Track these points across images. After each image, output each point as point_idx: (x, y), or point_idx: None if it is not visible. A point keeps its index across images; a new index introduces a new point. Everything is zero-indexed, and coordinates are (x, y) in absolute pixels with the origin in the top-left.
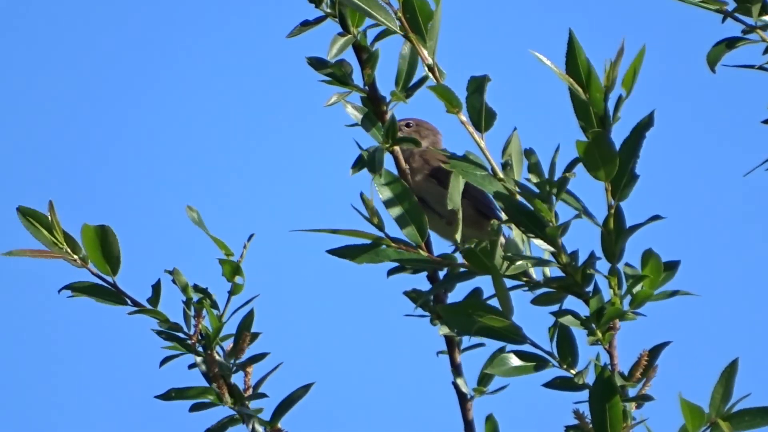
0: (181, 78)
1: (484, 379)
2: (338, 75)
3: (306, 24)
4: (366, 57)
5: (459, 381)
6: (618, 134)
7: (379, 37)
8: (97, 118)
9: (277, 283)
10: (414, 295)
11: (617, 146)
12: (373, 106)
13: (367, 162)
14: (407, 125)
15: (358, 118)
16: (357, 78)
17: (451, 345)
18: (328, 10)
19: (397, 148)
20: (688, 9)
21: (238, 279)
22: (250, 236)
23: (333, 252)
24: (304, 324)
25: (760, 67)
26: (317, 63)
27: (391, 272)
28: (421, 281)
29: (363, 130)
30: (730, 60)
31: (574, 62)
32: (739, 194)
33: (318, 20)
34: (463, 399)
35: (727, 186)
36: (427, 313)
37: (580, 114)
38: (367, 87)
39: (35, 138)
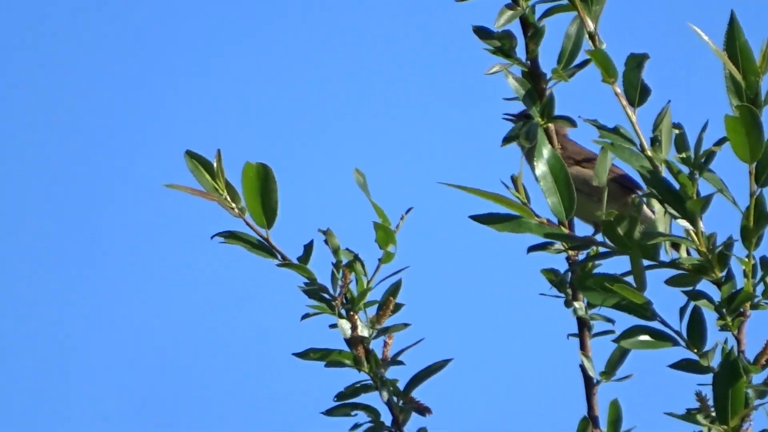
0: (347, 33)
1: (612, 364)
2: (503, 46)
3: None
4: (531, 32)
5: (587, 364)
6: None
7: (546, 14)
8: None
9: (426, 259)
10: (551, 275)
11: None
12: (534, 82)
13: (522, 135)
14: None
15: (518, 91)
16: (519, 53)
17: (583, 328)
18: None
19: (551, 126)
20: None
21: (390, 247)
22: (408, 209)
23: (476, 218)
24: (442, 296)
25: None
26: (482, 32)
27: (531, 249)
28: (559, 262)
29: (522, 103)
30: None
31: (732, 42)
32: None
33: None
34: (589, 383)
35: None
36: (562, 294)
37: (732, 96)
38: (529, 62)
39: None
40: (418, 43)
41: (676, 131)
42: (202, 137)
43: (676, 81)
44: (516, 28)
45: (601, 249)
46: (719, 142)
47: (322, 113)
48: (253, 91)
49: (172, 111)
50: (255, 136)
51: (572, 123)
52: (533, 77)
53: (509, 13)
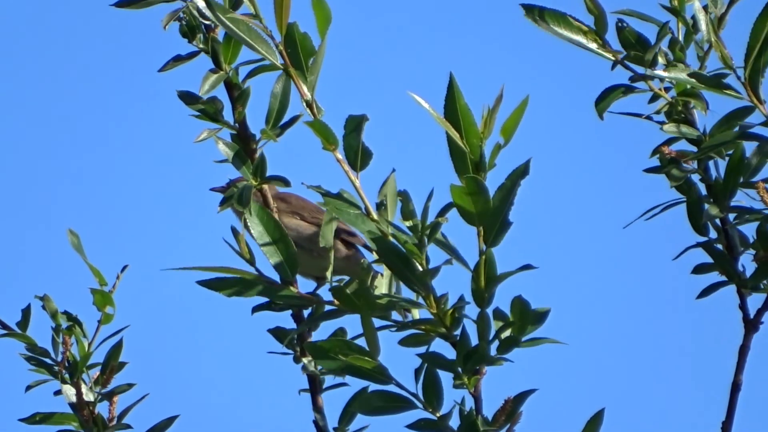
0: (48, 105)
1: (346, 418)
2: (209, 111)
3: (178, 59)
4: (237, 94)
5: (319, 420)
6: (498, 181)
7: (251, 75)
8: None
9: (148, 315)
10: (278, 333)
11: (493, 193)
12: (243, 144)
13: (235, 199)
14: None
15: (229, 156)
16: (228, 115)
17: (314, 383)
18: (202, 46)
19: (265, 186)
20: (575, 54)
21: (108, 309)
22: (124, 267)
23: (203, 283)
24: (173, 357)
25: (644, 116)
26: (188, 97)
27: (255, 309)
28: (285, 319)
29: (233, 166)
30: (617, 108)
31: (453, 107)
32: (618, 244)
33: (191, 55)
34: None
35: (606, 236)
36: (290, 351)
37: (456, 160)
38: (237, 124)
39: None
40: (122, 113)
41: (401, 199)
42: None
43: (403, 146)
44: (222, 92)
45: (329, 308)
46: (445, 210)
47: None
48: None
49: None
50: None
51: (286, 183)
52: (242, 139)
53: (214, 77)
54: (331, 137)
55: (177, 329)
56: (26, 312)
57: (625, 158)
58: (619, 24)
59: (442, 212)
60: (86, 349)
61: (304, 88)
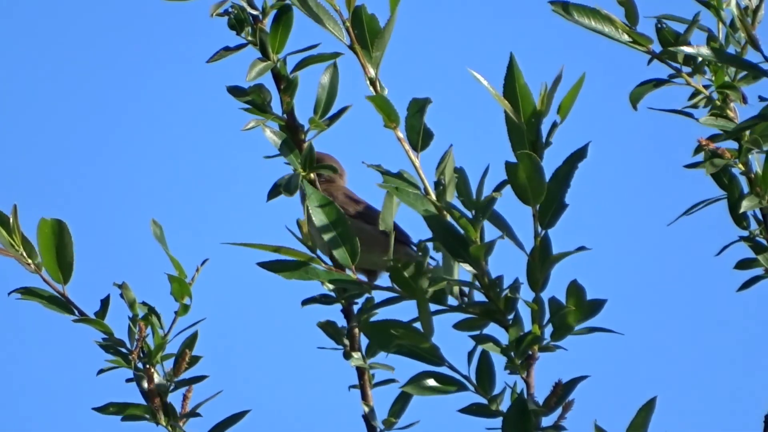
0: (109, 98)
1: (394, 409)
2: (257, 103)
3: (227, 50)
4: (285, 85)
5: (369, 414)
6: (552, 163)
7: (299, 66)
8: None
9: (220, 308)
10: (327, 327)
11: (549, 174)
12: (292, 135)
13: (283, 189)
14: None
15: (276, 144)
16: (276, 107)
17: (363, 378)
18: (250, 38)
19: (313, 176)
20: (619, 48)
21: (186, 300)
22: (204, 261)
23: (264, 265)
24: (239, 351)
25: (681, 111)
26: (237, 91)
27: (306, 302)
28: (335, 314)
29: (281, 156)
30: (655, 102)
31: (511, 85)
32: (661, 241)
33: (239, 47)
34: None
35: (646, 232)
36: (340, 346)
37: (513, 137)
38: (285, 115)
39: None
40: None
41: (457, 177)
42: None
43: (461, 124)
44: (270, 82)
45: (388, 294)
46: (500, 186)
47: (115, 165)
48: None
49: None
50: (49, 190)
51: (335, 171)
52: (291, 130)
53: (261, 65)
54: (392, 114)
55: (246, 324)
56: (105, 302)
57: (668, 155)
58: (658, 25)
59: (497, 189)
60: (162, 339)
61: (369, 66)
